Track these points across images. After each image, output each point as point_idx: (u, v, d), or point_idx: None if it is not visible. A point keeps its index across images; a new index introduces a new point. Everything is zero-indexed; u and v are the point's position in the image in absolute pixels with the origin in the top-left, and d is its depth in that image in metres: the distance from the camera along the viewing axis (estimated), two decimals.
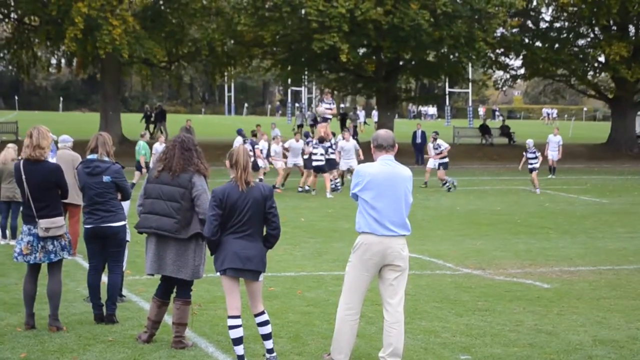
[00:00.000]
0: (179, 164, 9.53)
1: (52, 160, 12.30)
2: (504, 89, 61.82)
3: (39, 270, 10.57)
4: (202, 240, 9.54)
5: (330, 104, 35.29)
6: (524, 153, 31.31)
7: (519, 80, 60.20)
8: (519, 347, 9.91)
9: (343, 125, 55.15)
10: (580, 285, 13.78)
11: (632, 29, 52.72)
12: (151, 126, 55.94)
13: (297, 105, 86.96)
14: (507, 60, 54.97)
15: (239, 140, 31.01)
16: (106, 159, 10.69)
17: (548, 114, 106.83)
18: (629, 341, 10.24)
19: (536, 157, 30.69)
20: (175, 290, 9.86)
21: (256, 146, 30.37)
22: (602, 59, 52.47)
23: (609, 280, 14.25)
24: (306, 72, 53.44)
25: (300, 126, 60.75)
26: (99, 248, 10.78)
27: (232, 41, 47.96)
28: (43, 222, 10.13)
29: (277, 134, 41.29)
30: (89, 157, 10.71)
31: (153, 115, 57.27)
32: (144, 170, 28.72)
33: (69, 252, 10.50)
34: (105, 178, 10.53)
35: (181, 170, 9.50)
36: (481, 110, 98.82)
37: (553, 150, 36.27)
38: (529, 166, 30.70)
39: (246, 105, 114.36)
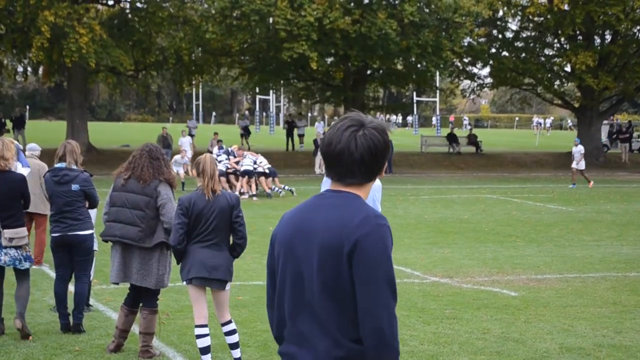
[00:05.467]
0: (149, 173, 9.49)
1: (24, 168, 12.43)
2: (471, 97, 62.11)
3: (3, 276, 10.62)
4: (166, 250, 9.51)
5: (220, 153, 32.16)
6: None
7: (485, 89, 60.51)
8: (487, 355, 9.94)
9: (289, 135, 53.78)
10: (547, 293, 13.85)
11: (597, 38, 53.15)
12: (6, 134, 49.63)
13: (256, 113, 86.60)
14: (474, 69, 55.28)
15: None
16: (74, 167, 10.66)
17: (539, 123, 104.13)
18: (595, 349, 10.30)
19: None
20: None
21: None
22: (568, 68, 52.85)
23: (576, 288, 14.33)
24: (272, 82, 53.30)
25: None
26: (66, 257, 10.73)
27: (200, 50, 47.88)
28: (7, 232, 10.18)
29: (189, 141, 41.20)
30: (57, 165, 10.66)
31: (5, 122, 52.65)
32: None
33: (31, 263, 10.54)
34: (74, 187, 10.52)
35: (150, 179, 9.48)
36: (451, 119, 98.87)
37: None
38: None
39: (214, 113, 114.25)
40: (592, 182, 36.82)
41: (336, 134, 3.86)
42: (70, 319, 10.73)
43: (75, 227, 10.55)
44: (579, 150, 36.58)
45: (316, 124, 65.42)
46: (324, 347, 3.82)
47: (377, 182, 8.90)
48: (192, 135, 50.90)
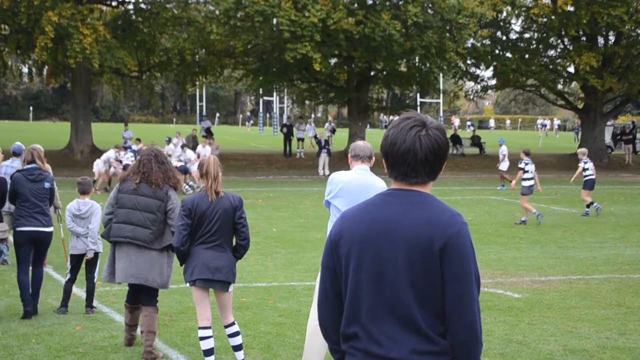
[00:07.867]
0: (159, 177, 9.61)
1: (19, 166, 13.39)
2: (474, 99, 62.04)
3: None
4: (172, 251, 9.59)
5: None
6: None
7: (489, 91, 60.44)
8: (490, 357, 9.93)
9: (287, 139, 52.24)
10: (551, 294, 13.83)
11: (601, 39, 53.10)
12: None
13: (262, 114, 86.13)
14: (478, 71, 55.20)
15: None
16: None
17: (544, 125, 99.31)
18: (599, 350, 10.29)
19: None
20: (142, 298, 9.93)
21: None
22: (571, 69, 52.77)
23: (579, 289, 14.31)
24: (276, 83, 53.09)
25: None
26: (29, 251, 11.59)
27: (204, 51, 47.87)
28: None
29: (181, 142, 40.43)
30: (29, 166, 11.57)
31: None
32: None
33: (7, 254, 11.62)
34: (46, 184, 11.59)
35: (162, 184, 9.60)
36: (456, 121, 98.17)
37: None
38: None
39: (217, 115, 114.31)
40: (500, 188, 35.85)
41: (400, 134, 3.89)
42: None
43: (46, 223, 11.49)
44: (501, 150, 36.28)
45: (307, 126, 62.60)
46: (413, 343, 3.81)
47: (382, 184, 8.88)
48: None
